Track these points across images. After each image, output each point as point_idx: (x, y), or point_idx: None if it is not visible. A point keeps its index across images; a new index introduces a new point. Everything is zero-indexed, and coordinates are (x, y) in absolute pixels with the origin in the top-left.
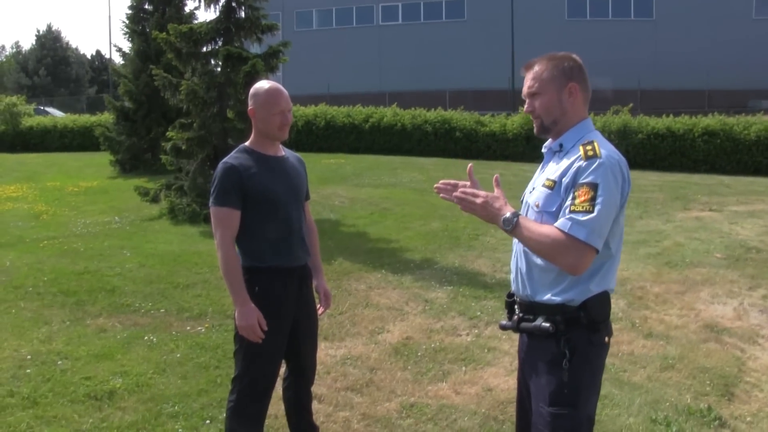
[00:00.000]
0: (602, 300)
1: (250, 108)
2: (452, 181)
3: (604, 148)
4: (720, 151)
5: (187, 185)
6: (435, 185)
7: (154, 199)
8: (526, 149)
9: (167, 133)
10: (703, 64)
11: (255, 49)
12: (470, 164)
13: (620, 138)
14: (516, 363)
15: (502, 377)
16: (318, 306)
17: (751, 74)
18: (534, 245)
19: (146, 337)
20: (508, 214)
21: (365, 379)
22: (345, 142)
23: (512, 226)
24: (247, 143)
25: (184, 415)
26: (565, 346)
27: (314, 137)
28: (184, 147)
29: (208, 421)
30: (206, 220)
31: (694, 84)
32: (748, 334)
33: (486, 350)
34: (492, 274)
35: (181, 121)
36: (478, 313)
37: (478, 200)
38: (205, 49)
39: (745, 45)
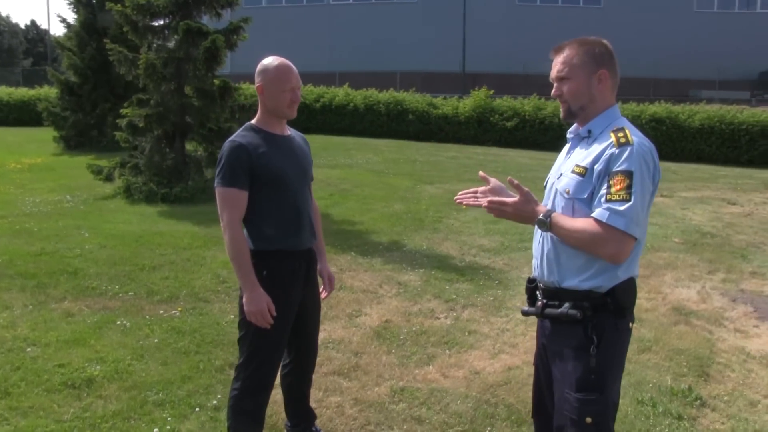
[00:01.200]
0: (629, 286)
1: (258, 84)
2: (470, 190)
3: (636, 135)
4: (666, 137)
5: (142, 163)
6: (455, 199)
7: (108, 178)
8: (477, 132)
9: (122, 110)
10: (649, 53)
11: (211, 23)
12: (480, 172)
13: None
14: (498, 346)
15: (486, 360)
16: (321, 289)
17: (692, 65)
18: (572, 241)
19: (118, 322)
20: (541, 216)
21: (351, 364)
22: (295, 122)
23: (547, 227)
24: (253, 121)
25: (170, 403)
26: (593, 332)
27: None
28: (141, 124)
29: (197, 409)
30: (164, 199)
31: (640, 72)
32: (714, 317)
33: (467, 333)
34: (461, 257)
35: (139, 96)
36: (454, 296)
37: (508, 209)
38: (162, 22)
39: (687, 36)
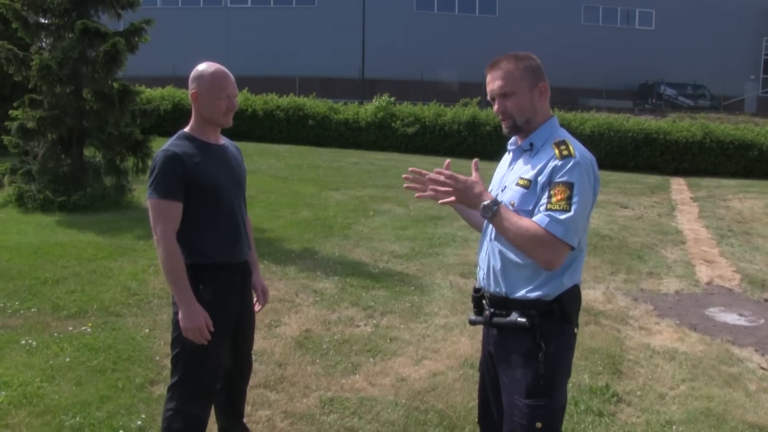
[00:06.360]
0: (574, 293)
1: (192, 91)
2: (421, 171)
3: (577, 148)
4: None
5: (35, 169)
6: (404, 176)
7: None
8: (378, 138)
9: (11, 112)
10: (542, 61)
11: (109, 23)
12: (448, 160)
13: (469, 130)
14: (421, 352)
15: (411, 366)
16: (255, 302)
17: (580, 74)
18: (512, 236)
19: (23, 341)
20: (488, 201)
21: (276, 375)
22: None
23: (492, 214)
24: (186, 129)
25: (89, 426)
26: (541, 339)
27: (161, 120)
28: (31, 126)
29: (120, 431)
30: (61, 208)
31: None
32: (620, 316)
33: (388, 340)
34: (374, 263)
35: (31, 96)
36: (371, 303)
37: (459, 185)
38: (57, 21)
39: (576, 47)
